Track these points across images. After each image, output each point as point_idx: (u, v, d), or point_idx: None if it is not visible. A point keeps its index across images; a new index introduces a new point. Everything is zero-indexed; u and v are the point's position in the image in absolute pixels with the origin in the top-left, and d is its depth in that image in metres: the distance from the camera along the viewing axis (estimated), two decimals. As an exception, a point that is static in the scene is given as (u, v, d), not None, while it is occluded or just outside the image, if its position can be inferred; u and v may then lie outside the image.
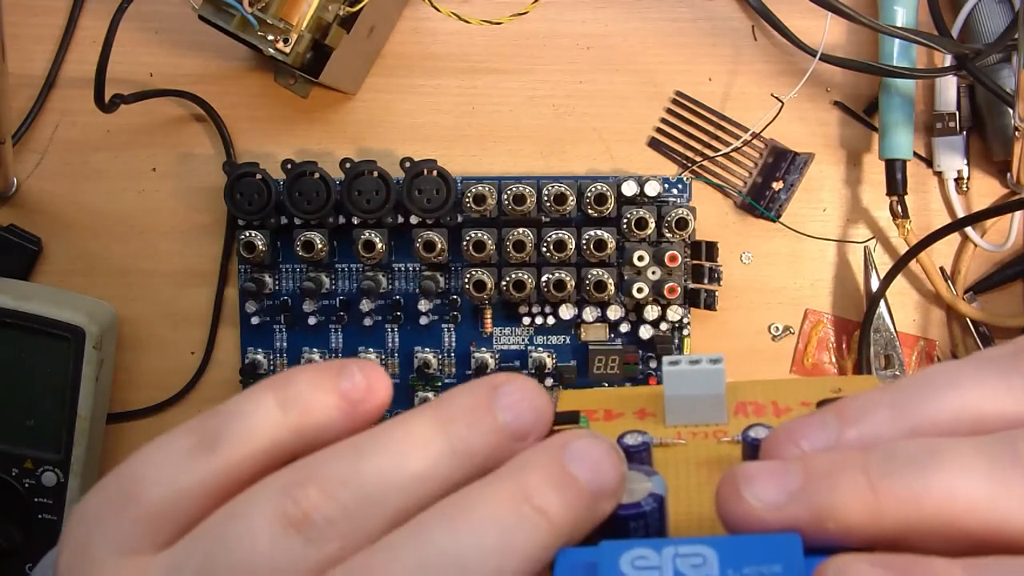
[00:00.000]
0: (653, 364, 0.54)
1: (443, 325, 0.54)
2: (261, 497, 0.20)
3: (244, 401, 0.22)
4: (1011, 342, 0.23)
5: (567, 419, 0.23)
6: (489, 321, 0.54)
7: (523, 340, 0.54)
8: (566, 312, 0.53)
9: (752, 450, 0.23)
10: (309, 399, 0.22)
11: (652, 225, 0.51)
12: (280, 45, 0.45)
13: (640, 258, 0.51)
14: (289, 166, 0.51)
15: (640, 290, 0.51)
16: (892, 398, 0.21)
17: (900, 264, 0.52)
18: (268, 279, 0.54)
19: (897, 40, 0.51)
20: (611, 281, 0.51)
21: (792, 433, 0.21)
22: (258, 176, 0.51)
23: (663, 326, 0.53)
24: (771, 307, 0.55)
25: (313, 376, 0.22)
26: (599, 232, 0.50)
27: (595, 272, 0.51)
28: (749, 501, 0.20)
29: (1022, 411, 0.21)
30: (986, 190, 0.55)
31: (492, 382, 0.22)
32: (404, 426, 0.21)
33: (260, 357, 0.54)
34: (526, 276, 0.51)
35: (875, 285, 0.53)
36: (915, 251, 0.52)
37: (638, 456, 0.24)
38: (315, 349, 0.54)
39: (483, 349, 0.54)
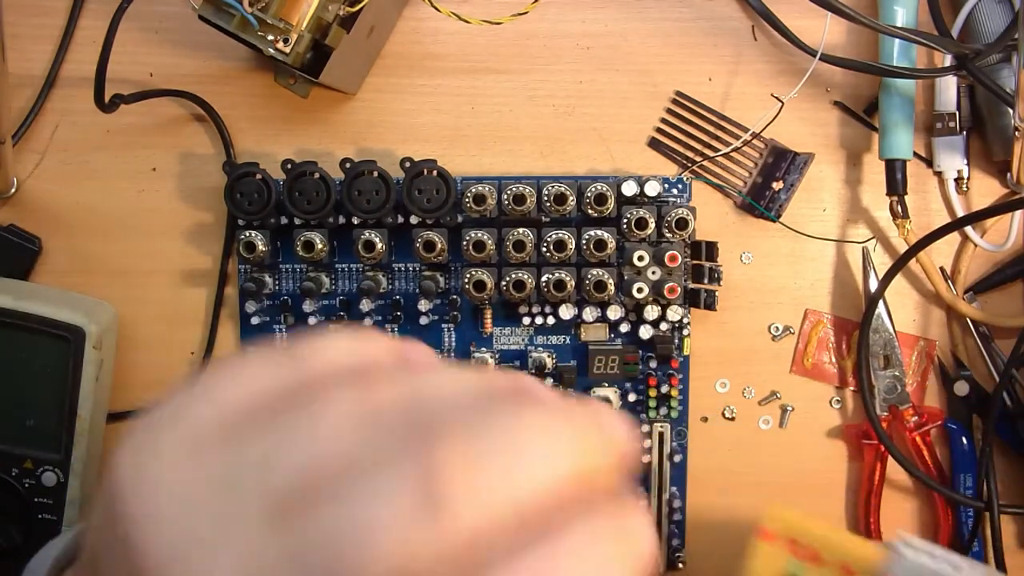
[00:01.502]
0: (653, 364, 0.54)
1: (443, 325, 0.54)
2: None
3: (323, 336, 0.22)
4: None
5: None
6: (489, 321, 0.54)
7: (523, 340, 0.54)
8: (566, 312, 0.53)
9: None
10: (372, 345, 0.23)
11: (652, 225, 0.51)
12: (280, 45, 0.45)
13: (640, 258, 0.51)
14: (289, 166, 0.51)
15: (640, 290, 0.51)
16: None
17: (900, 264, 0.52)
18: (268, 279, 0.54)
19: (897, 40, 0.51)
20: (611, 281, 0.51)
21: None
22: (258, 176, 0.51)
23: (663, 326, 0.53)
24: (771, 307, 0.55)
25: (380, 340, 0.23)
26: (599, 232, 0.50)
27: (595, 272, 0.51)
28: None
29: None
30: (986, 190, 0.55)
31: (595, 407, 0.21)
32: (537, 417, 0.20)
33: (260, 357, 0.54)
34: (526, 276, 0.51)
35: (873, 285, 0.54)
36: (915, 251, 0.52)
37: None
38: (315, 349, 0.54)
39: (483, 349, 0.54)
